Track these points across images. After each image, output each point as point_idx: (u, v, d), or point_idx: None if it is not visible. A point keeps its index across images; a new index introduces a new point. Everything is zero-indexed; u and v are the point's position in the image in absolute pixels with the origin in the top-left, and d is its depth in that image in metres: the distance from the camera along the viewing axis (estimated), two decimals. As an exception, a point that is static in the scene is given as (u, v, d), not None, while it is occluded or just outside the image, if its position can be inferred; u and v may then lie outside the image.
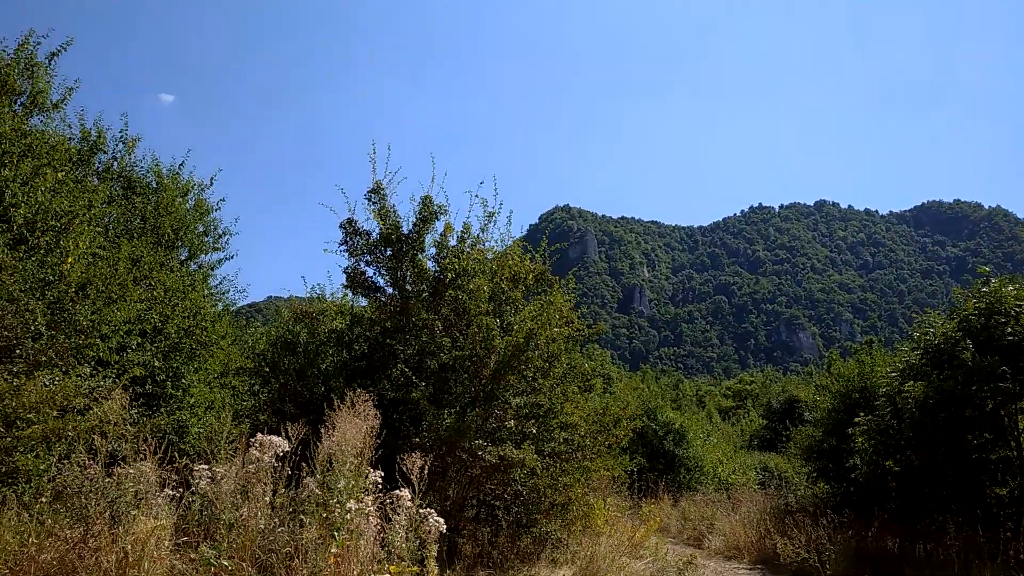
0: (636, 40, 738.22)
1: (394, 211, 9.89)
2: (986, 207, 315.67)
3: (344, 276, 10.14)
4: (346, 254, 10.06)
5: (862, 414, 11.63)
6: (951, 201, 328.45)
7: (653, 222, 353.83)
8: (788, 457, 18.84)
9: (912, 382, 10.53)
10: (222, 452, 6.01)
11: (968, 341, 9.88)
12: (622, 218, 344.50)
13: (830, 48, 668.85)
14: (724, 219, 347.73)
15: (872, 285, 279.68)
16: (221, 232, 13.87)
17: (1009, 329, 9.65)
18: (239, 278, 19.48)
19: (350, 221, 9.99)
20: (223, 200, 13.71)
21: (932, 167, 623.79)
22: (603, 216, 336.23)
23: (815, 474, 14.02)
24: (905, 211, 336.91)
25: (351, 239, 10.02)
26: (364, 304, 10.75)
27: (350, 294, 10.79)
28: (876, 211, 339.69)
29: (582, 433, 9.64)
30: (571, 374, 10.15)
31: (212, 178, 13.73)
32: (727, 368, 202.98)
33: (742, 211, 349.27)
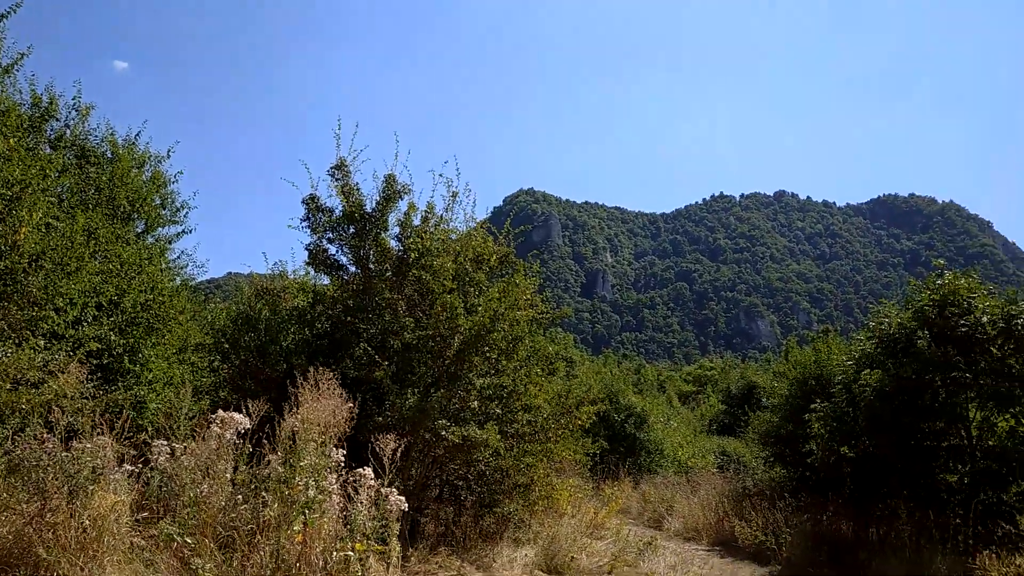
0: (605, 24, 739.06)
1: (358, 189, 9.77)
2: (940, 202, 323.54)
3: (306, 253, 10.01)
4: (308, 231, 9.92)
5: (818, 401, 11.85)
6: (906, 195, 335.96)
7: (616, 208, 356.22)
8: (746, 442, 19.14)
9: (868, 370, 10.75)
10: (181, 428, 5.91)
11: (924, 331, 10.11)
12: (586, 203, 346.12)
13: (792, 42, 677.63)
14: (686, 207, 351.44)
15: (829, 275, 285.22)
16: (179, 205, 13.50)
17: (962, 321, 9.90)
18: (198, 253, 19.03)
19: (313, 197, 9.84)
20: (181, 172, 13.33)
21: (889, 162, 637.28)
22: (567, 200, 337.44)
23: (772, 459, 14.26)
24: (862, 204, 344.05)
25: (314, 216, 9.88)
26: (327, 282, 10.62)
27: (312, 272, 10.65)
28: (834, 203, 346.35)
29: (545, 415, 9.67)
30: (535, 356, 10.16)
31: (170, 150, 13.34)
32: (687, 354, 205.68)
33: (704, 199, 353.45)
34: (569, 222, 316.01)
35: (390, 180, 9.80)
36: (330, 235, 9.92)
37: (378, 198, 9.78)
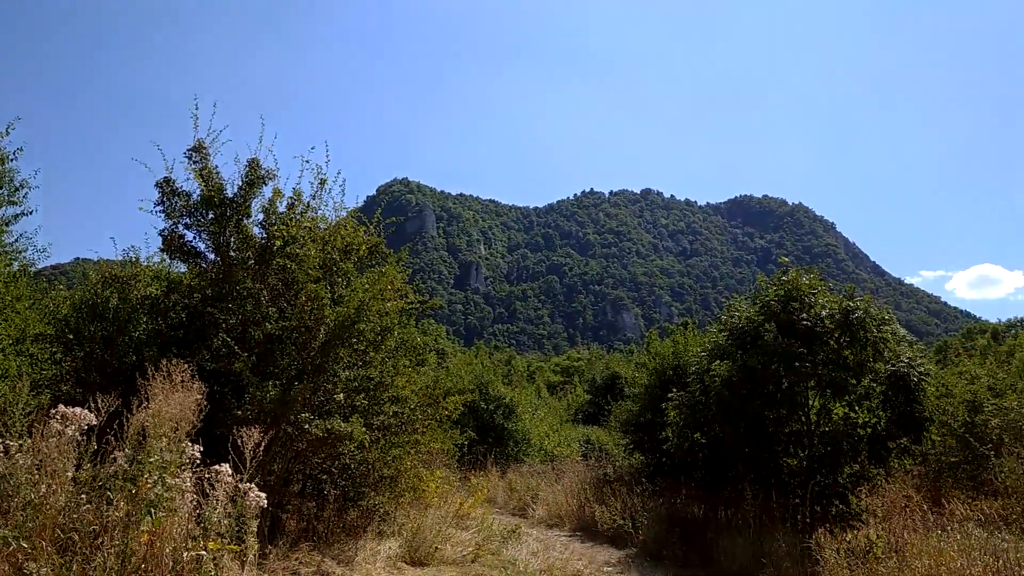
0: (482, 18, 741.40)
1: (217, 172, 9.33)
2: (790, 203, 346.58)
3: (160, 239, 9.48)
4: (163, 215, 9.39)
5: (675, 390, 12.39)
6: (760, 196, 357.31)
7: (491, 200, 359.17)
8: (609, 430, 19.77)
9: (719, 361, 11.36)
10: (17, 425, 5.48)
11: (770, 324, 10.79)
12: (460, 195, 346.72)
13: (660, 44, 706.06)
14: (558, 201, 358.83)
15: (689, 271, 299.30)
16: (18, 184, 12.44)
17: (804, 315, 10.63)
18: (39, 236, 17.56)
19: (167, 180, 9.32)
20: (21, 149, 12.29)
21: (745, 163, 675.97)
22: (442, 192, 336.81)
23: (632, 446, 14.81)
24: (721, 203, 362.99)
25: (169, 200, 9.36)
26: (184, 270, 10.10)
27: (168, 259, 10.10)
28: (695, 202, 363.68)
29: (412, 406, 9.63)
30: (403, 348, 10.10)
31: (10, 125, 12.27)
32: (557, 345, 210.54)
33: (575, 195, 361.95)
34: (444, 213, 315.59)
35: (254, 164, 9.44)
36: (187, 220, 9.44)
37: (240, 183, 9.39)
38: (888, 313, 11.36)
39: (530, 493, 15.84)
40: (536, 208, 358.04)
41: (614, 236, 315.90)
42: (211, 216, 9.27)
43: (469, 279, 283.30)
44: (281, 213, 9.52)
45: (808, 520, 10.15)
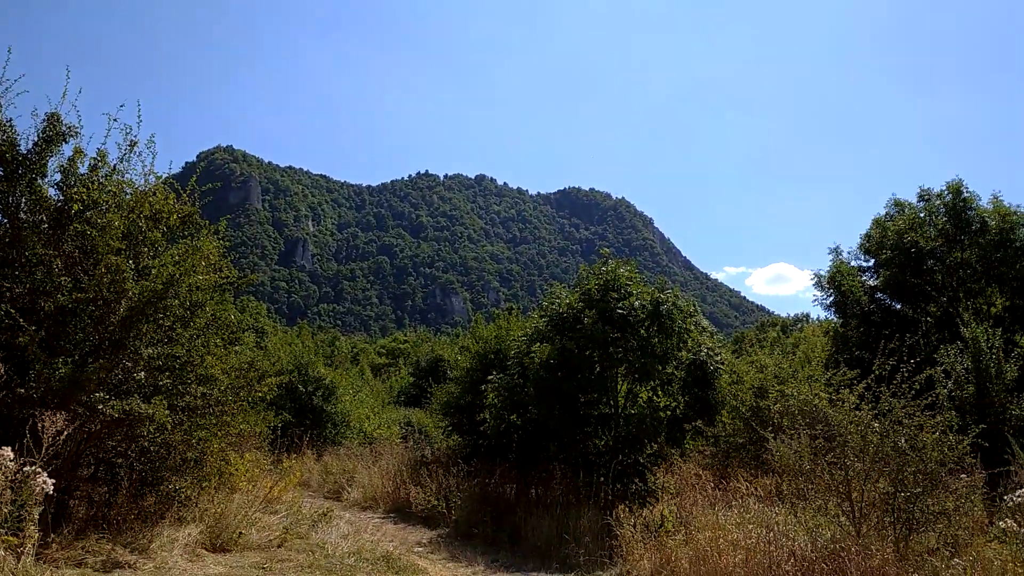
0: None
1: (11, 126, 8.42)
2: (614, 198, 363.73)
3: (-64, 195, 8.43)
4: (-59, 168, 8.36)
5: (496, 373, 12.74)
6: (587, 189, 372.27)
7: (322, 175, 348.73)
8: (430, 412, 19.96)
9: (539, 344, 11.82)
10: None
11: (591, 311, 11.33)
12: (289, 167, 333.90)
13: (497, 33, 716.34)
14: (392, 181, 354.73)
15: (518, 257, 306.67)
16: None
17: (620, 304, 11.25)
18: None
19: (-53, 131, 8.31)
20: None
21: (575, 156, 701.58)
22: (269, 163, 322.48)
23: (451, 428, 15.05)
24: (550, 194, 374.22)
25: (-51, 152, 8.35)
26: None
27: (-56, 217, 9.00)
28: (527, 191, 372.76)
29: (223, 388, 9.21)
30: (216, 325, 9.62)
31: None
32: (384, 327, 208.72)
33: (410, 176, 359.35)
34: (270, 186, 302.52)
35: (53, 119, 8.58)
36: (-31, 176, 8.45)
37: (36, 138, 8.53)
38: (694, 306, 12.28)
39: (346, 476, 15.68)
40: (369, 187, 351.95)
41: (447, 220, 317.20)
42: (0, 173, 8.37)
43: (295, 256, 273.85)
44: (82, 175, 8.74)
45: (610, 497, 10.81)
